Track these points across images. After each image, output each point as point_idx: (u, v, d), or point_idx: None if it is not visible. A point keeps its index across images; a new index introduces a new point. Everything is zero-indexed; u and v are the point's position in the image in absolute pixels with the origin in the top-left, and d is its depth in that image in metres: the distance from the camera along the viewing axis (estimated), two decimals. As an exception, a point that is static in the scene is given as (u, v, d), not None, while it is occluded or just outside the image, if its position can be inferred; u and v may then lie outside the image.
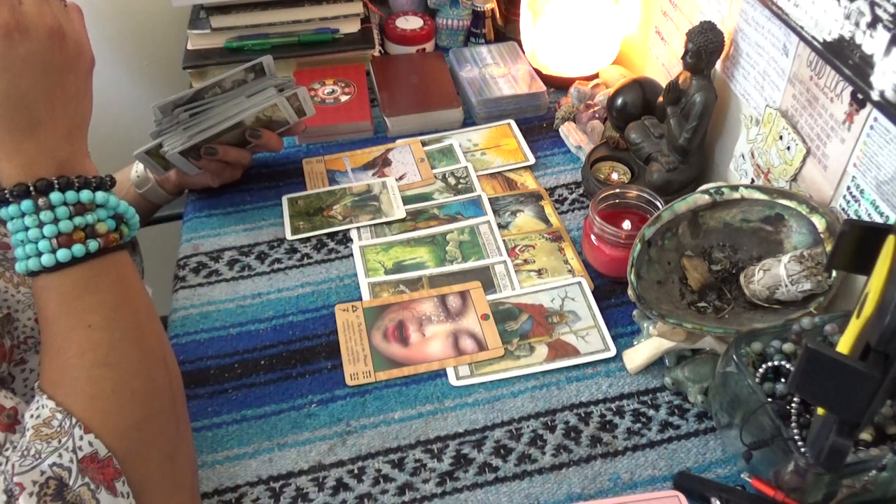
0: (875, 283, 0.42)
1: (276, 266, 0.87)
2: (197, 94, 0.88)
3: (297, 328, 0.79)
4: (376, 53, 1.18)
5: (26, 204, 0.51)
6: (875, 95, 0.59)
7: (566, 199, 0.94)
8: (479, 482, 0.65)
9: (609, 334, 0.76)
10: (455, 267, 0.85)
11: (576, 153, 1.01)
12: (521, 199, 0.94)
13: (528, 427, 0.69)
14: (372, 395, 0.72)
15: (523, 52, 1.16)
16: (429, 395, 0.72)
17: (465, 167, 0.98)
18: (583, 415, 0.70)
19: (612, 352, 0.75)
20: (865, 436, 0.57)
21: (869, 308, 0.41)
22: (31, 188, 0.51)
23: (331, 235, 0.90)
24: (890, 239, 0.43)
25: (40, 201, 0.51)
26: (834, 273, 0.66)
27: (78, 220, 0.52)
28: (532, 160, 1.00)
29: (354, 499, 0.64)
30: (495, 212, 0.92)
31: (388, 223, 0.91)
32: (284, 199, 0.95)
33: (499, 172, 0.98)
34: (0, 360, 0.59)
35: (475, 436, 0.69)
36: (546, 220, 0.91)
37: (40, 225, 0.51)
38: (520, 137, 1.04)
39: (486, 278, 0.83)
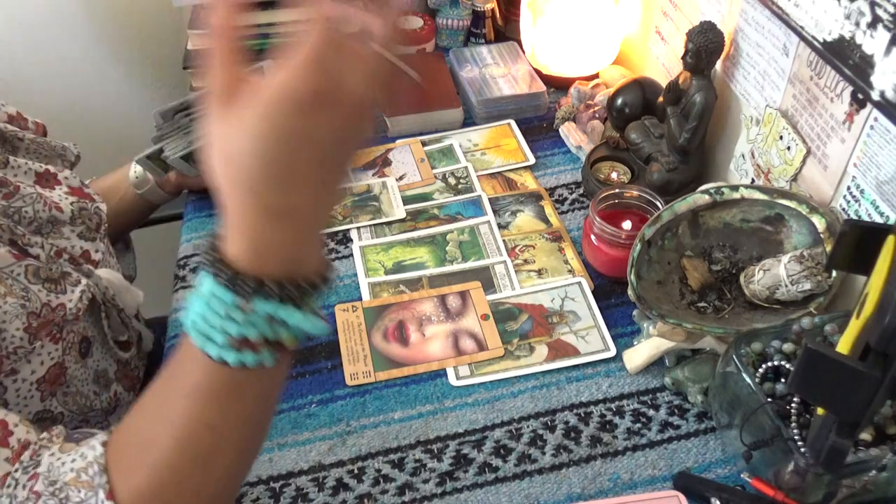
0: (875, 283, 0.41)
1: (276, 266, 0.86)
2: (198, 99, 0.89)
3: (297, 328, 0.79)
4: (376, 53, 1.18)
5: (230, 297, 0.41)
6: (875, 95, 0.59)
7: (566, 199, 0.94)
8: (479, 482, 0.65)
9: (609, 334, 0.76)
10: (455, 267, 0.85)
11: (576, 153, 1.01)
12: (521, 199, 0.94)
13: (528, 427, 0.69)
14: (372, 395, 0.72)
15: (523, 52, 1.16)
16: (429, 396, 0.72)
17: (465, 167, 0.98)
18: (583, 415, 0.70)
19: (612, 352, 0.75)
20: (865, 436, 0.57)
21: (869, 308, 0.41)
22: (246, 284, 0.41)
23: (331, 235, 0.90)
24: (890, 239, 0.43)
25: (241, 303, 0.41)
26: (834, 273, 0.66)
27: (269, 330, 0.42)
28: (532, 160, 1.00)
29: (354, 499, 0.64)
30: (495, 212, 0.92)
31: (388, 223, 0.91)
32: (284, 199, 0.95)
33: (499, 172, 0.98)
34: None
35: (475, 436, 0.69)
36: (546, 220, 0.91)
37: (228, 319, 0.41)
38: (520, 137, 1.03)
39: (486, 278, 0.83)
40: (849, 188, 0.67)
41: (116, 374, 0.77)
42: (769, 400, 0.58)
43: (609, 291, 0.82)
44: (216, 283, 0.41)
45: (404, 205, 0.93)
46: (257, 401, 0.47)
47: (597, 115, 1.02)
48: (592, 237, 0.81)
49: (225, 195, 0.41)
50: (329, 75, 0.40)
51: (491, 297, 0.81)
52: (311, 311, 0.43)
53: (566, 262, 0.85)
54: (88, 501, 0.46)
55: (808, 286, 0.66)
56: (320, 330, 0.44)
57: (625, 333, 0.77)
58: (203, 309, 0.42)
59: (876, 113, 0.61)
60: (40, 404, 0.66)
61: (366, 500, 0.64)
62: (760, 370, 0.61)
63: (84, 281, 0.70)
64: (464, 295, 0.81)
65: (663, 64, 1.01)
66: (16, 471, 0.49)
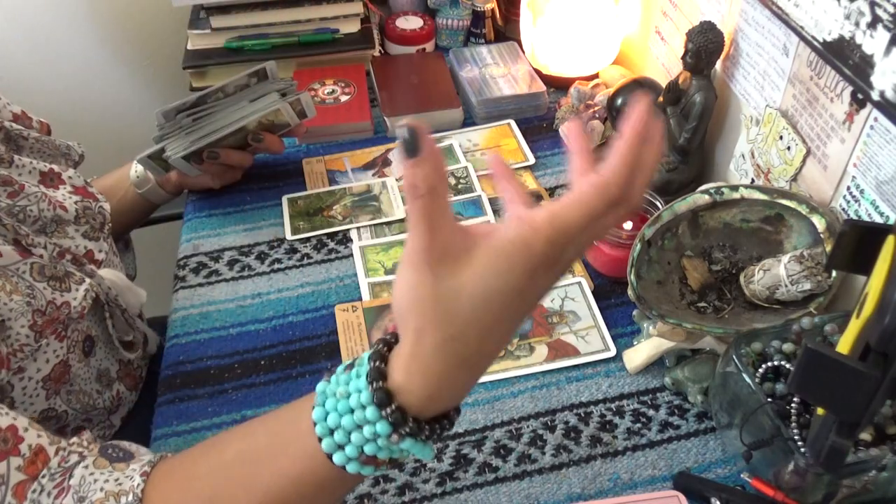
0: (875, 283, 0.41)
1: (276, 266, 0.87)
2: (200, 99, 0.89)
3: (297, 328, 0.79)
4: (376, 53, 1.18)
5: (385, 430, 0.41)
6: (875, 95, 0.59)
7: (566, 199, 0.94)
8: (479, 482, 0.65)
9: (609, 334, 0.76)
10: (455, 267, 0.85)
11: (576, 153, 1.01)
12: (521, 199, 0.94)
13: (528, 427, 0.69)
14: (372, 395, 0.72)
15: (523, 52, 1.16)
16: (429, 395, 0.72)
17: (465, 167, 0.98)
18: (583, 415, 0.70)
19: (612, 352, 0.75)
20: (865, 436, 0.57)
21: (869, 308, 0.41)
22: (410, 427, 0.41)
23: (331, 235, 0.90)
24: (890, 239, 0.43)
25: (393, 437, 0.41)
26: (834, 273, 0.66)
27: (396, 453, 0.43)
28: (532, 160, 1.00)
29: (354, 499, 0.64)
30: (495, 212, 0.92)
31: (388, 223, 0.91)
32: (284, 199, 0.95)
33: (499, 172, 0.98)
34: None
35: (475, 436, 0.69)
36: (546, 220, 0.90)
37: (370, 441, 0.42)
38: (520, 137, 1.03)
39: (486, 278, 0.83)
40: (849, 188, 0.67)
41: (118, 373, 0.77)
42: (769, 400, 0.58)
43: (609, 291, 0.82)
44: (378, 412, 0.41)
45: (404, 205, 0.93)
46: (343, 495, 0.48)
47: (597, 115, 1.02)
48: (592, 237, 0.80)
49: (417, 334, 0.40)
50: (567, 244, 0.39)
51: (491, 297, 0.81)
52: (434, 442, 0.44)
53: (566, 262, 0.85)
54: None
55: (808, 286, 0.66)
56: (430, 457, 0.45)
57: (625, 333, 0.77)
58: (349, 423, 0.42)
59: (876, 113, 0.61)
60: (45, 402, 0.66)
61: (366, 501, 0.64)
62: (760, 370, 0.61)
63: (87, 280, 0.70)
64: (464, 295, 0.81)
65: (663, 64, 1.01)
66: (43, 477, 0.48)
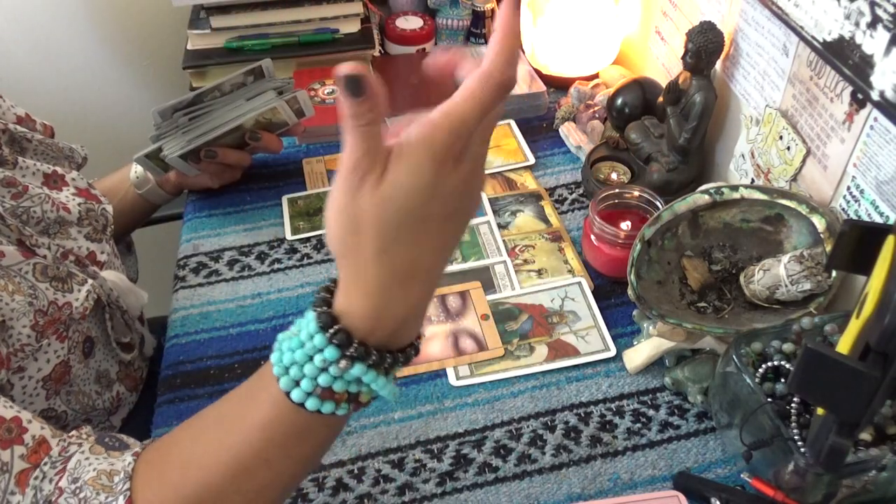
0: (875, 283, 0.41)
1: (276, 266, 0.87)
2: (196, 97, 0.89)
3: (297, 328, 0.79)
4: (376, 53, 1.18)
5: (334, 354, 0.42)
6: (875, 95, 0.59)
7: (566, 199, 0.94)
8: (479, 482, 0.65)
9: (609, 334, 0.76)
10: (455, 267, 0.85)
11: (576, 153, 1.01)
12: (521, 199, 0.94)
13: (528, 427, 0.69)
14: (372, 395, 0.72)
15: (523, 52, 1.16)
16: (429, 395, 0.72)
17: (465, 167, 0.98)
18: (583, 415, 0.70)
19: (612, 352, 0.75)
20: (865, 436, 0.57)
21: (869, 308, 0.41)
22: (354, 348, 0.42)
23: (331, 235, 0.90)
24: (890, 239, 0.43)
25: (342, 363, 0.42)
26: (834, 273, 0.66)
27: (353, 387, 0.44)
28: (532, 160, 1.00)
29: (354, 499, 0.64)
30: (495, 212, 0.92)
31: (388, 223, 0.91)
32: (284, 199, 0.95)
33: (499, 172, 0.98)
34: None
35: (475, 436, 0.69)
36: (546, 220, 0.91)
37: (323, 371, 0.43)
38: (520, 137, 1.03)
39: (485, 278, 0.83)
40: (849, 188, 0.67)
41: (118, 374, 0.77)
42: (769, 400, 0.58)
43: (609, 291, 0.82)
44: (324, 337, 0.42)
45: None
46: (316, 445, 0.48)
47: (597, 115, 1.02)
48: (592, 237, 0.81)
49: (353, 254, 0.42)
50: (467, 135, 0.42)
51: (491, 297, 0.81)
52: (392, 378, 0.45)
53: (566, 262, 0.85)
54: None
55: (808, 286, 0.66)
56: (393, 395, 0.46)
57: (625, 333, 0.77)
58: (301, 356, 0.43)
59: (876, 113, 0.61)
60: (45, 402, 0.66)
61: (366, 501, 0.64)
62: (760, 370, 0.61)
63: (90, 282, 0.70)
64: (464, 295, 0.81)
65: (663, 64, 1.01)
66: (44, 464, 0.49)
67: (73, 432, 0.52)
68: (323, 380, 0.43)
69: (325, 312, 0.43)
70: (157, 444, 0.50)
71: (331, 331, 0.42)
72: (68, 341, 0.68)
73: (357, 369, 0.43)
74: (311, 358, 0.43)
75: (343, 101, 0.39)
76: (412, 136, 0.41)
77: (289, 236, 0.90)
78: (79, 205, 0.75)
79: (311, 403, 0.44)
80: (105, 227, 0.78)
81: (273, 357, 0.45)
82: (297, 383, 0.43)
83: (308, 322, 0.43)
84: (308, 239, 0.90)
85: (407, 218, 0.41)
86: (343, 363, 0.42)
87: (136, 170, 0.93)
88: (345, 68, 0.39)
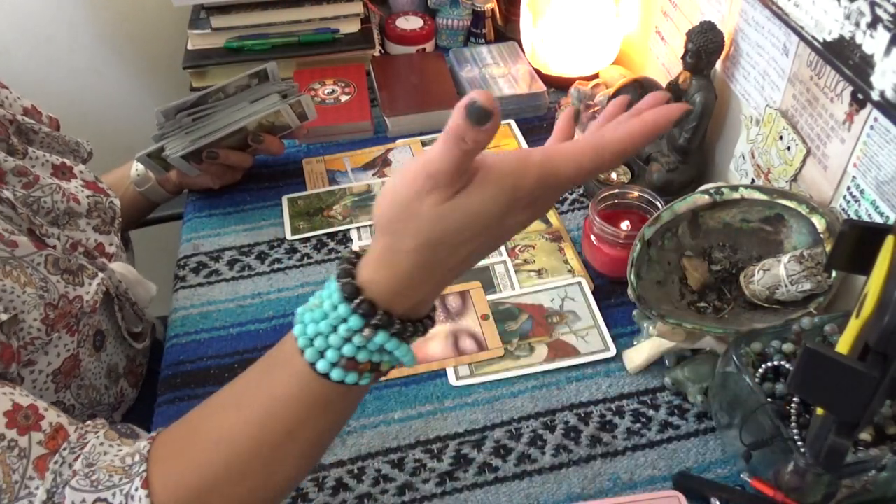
0: (874, 283, 0.41)
1: (276, 266, 0.87)
2: (200, 98, 0.89)
3: (297, 328, 0.79)
4: (376, 53, 1.18)
5: (358, 323, 0.43)
6: (875, 95, 0.59)
7: (566, 199, 0.94)
8: (479, 482, 0.65)
9: (609, 334, 0.76)
10: (455, 267, 0.85)
11: (576, 153, 1.01)
12: (521, 199, 0.94)
13: (527, 427, 0.69)
14: (372, 395, 0.72)
15: (523, 52, 1.16)
16: (429, 395, 0.72)
17: (465, 167, 0.98)
18: (583, 415, 0.70)
19: (612, 352, 0.75)
20: (865, 436, 0.57)
21: (868, 308, 0.41)
22: (379, 317, 0.43)
23: (331, 235, 0.90)
24: (890, 239, 0.43)
25: (366, 331, 0.43)
26: (834, 273, 0.66)
27: (375, 356, 0.45)
28: (532, 160, 0.99)
29: (354, 499, 0.64)
30: (495, 212, 0.91)
31: (388, 223, 0.91)
32: (284, 199, 0.95)
33: (499, 172, 0.98)
34: (9, 362, 0.59)
35: (475, 436, 0.69)
36: (546, 220, 0.91)
37: (347, 341, 0.44)
38: (520, 137, 1.03)
39: (485, 278, 0.83)
40: (849, 188, 0.67)
41: (125, 369, 0.77)
42: (769, 400, 0.58)
43: (609, 291, 0.82)
44: (348, 306, 0.43)
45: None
46: (338, 416, 0.49)
47: (597, 115, 1.02)
48: (592, 237, 0.81)
49: (395, 235, 0.42)
50: (552, 190, 0.44)
51: (491, 297, 0.81)
52: (411, 346, 0.46)
53: (566, 262, 0.85)
54: (121, 486, 0.47)
55: (807, 286, 0.66)
56: (412, 362, 0.47)
57: (625, 333, 0.77)
58: (325, 327, 0.44)
59: (876, 113, 0.61)
60: (54, 396, 0.66)
61: (366, 501, 0.64)
62: (760, 370, 0.61)
63: (100, 275, 0.70)
64: (463, 295, 0.81)
65: (663, 64, 1.01)
66: (63, 449, 0.50)
67: (90, 422, 0.53)
68: (347, 350, 0.44)
69: (349, 283, 0.43)
70: (172, 427, 0.50)
71: (356, 301, 0.43)
72: (78, 335, 0.68)
73: (380, 337, 0.43)
74: (335, 328, 0.44)
75: (461, 121, 0.39)
76: (505, 168, 0.42)
77: (289, 236, 0.90)
78: (87, 197, 0.75)
79: (335, 374, 0.44)
80: (113, 219, 0.79)
81: (296, 329, 0.45)
82: (321, 354, 0.44)
83: (331, 293, 0.44)
84: (308, 239, 0.90)
85: (462, 233, 0.42)
86: (367, 331, 0.43)
87: (137, 168, 0.93)
88: (478, 96, 0.38)
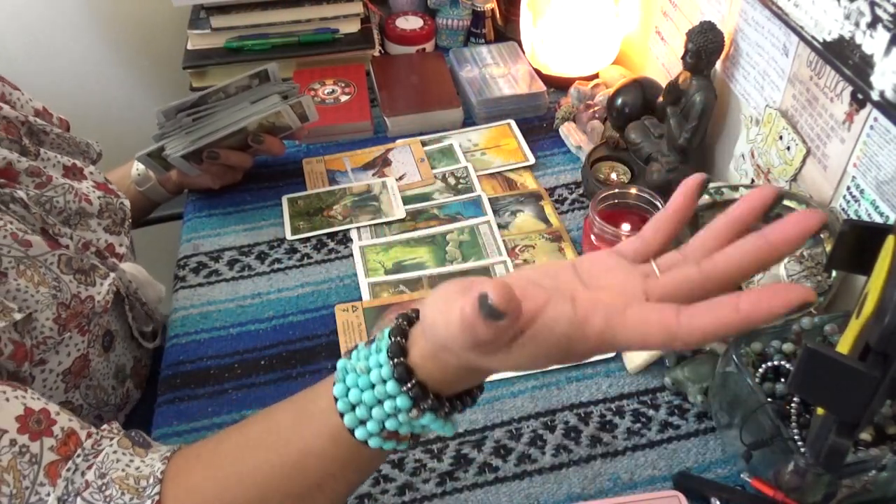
0: (875, 283, 0.41)
1: (276, 266, 0.87)
2: (201, 99, 0.89)
3: (297, 328, 0.79)
4: (376, 53, 1.18)
5: (406, 405, 0.42)
6: (875, 95, 0.59)
7: (566, 199, 0.94)
8: (479, 482, 0.65)
9: (609, 334, 0.76)
10: (455, 267, 0.85)
11: (576, 153, 1.01)
12: (521, 200, 0.94)
13: (528, 427, 0.69)
14: (372, 395, 0.72)
15: (523, 52, 1.16)
16: (429, 395, 0.72)
17: (465, 167, 0.98)
18: (583, 415, 0.70)
19: (612, 352, 0.75)
20: (865, 436, 0.57)
21: (868, 308, 0.41)
22: (430, 402, 0.42)
23: (331, 235, 0.90)
24: (890, 239, 0.43)
25: (413, 412, 0.42)
26: (834, 273, 0.66)
27: (417, 429, 0.44)
28: (532, 160, 1.00)
29: (354, 499, 0.64)
30: (495, 212, 0.92)
31: (388, 223, 0.91)
32: (284, 199, 0.95)
33: (499, 172, 0.98)
34: (22, 361, 0.59)
35: (475, 436, 0.69)
36: (546, 221, 0.91)
37: (391, 416, 0.42)
38: (520, 137, 1.03)
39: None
40: (849, 188, 0.67)
41: (132, 370, 0.77)
42: (769, 400, 0.58)
43: (609, 291, 0.81)
44: (399, 387, 0.41)
45: (404, 205, 0.93)
46: (370, 471, 0.49)
47: (597, 115, 1.02)
48: (592, 237, 0.80)
49: (443, 347, 0.40)
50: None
51: (491, 297, 0.81)
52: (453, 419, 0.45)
53: (566, 262, 0.85)
54: None
55: (808, 286, 0.66)
56: (452, 433, 0.46)
57: (625, 333, 0.77)
58: (370, 399, 0.42)
59: (876, 113, 0.61)
60: (63, 395, 0.67)
61: (366, 501, 0.64)
62: (760, 370, 0.61)
63: (112, 275, 0.70)
64: (464, 295, 0.81)
65: (663, 64, 1.01)
66: (77, 456, 0.49)
67: (105, 426, 0.52)
68: (391, 424, 0.43)
69: (402, 364, 0.41)
70: (189, 452, 0.50)
71: (408, 384, 0.41)
72: (89, 335, 0.68)
73: (427, 418, 0.42)
74: (380, 402, 0.42)
75: (470, 313, 0.35)
76: (558, 330, 0.37)
77: (289, 236, 0.90)
78: (98, 198, 0.75)
79: (373, 442, 0.43)
80: (123, 220, 0.79)
81: (336, 390, 0.44)
82: (362, 423, 0.43)
83: (381, 364, 0.42)
84: (308, 239, 0.90)
85: (511, 367, 0.40)
86: (415, 412, 0.42)
87: (138, 167, 0.93)
88: (493, 292, 0.34)
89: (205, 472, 0.48)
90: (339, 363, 0.45)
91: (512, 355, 0.38)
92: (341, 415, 0.43)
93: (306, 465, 0.45)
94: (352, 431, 0.43)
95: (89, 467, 0.49)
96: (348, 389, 0.43)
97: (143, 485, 0.47)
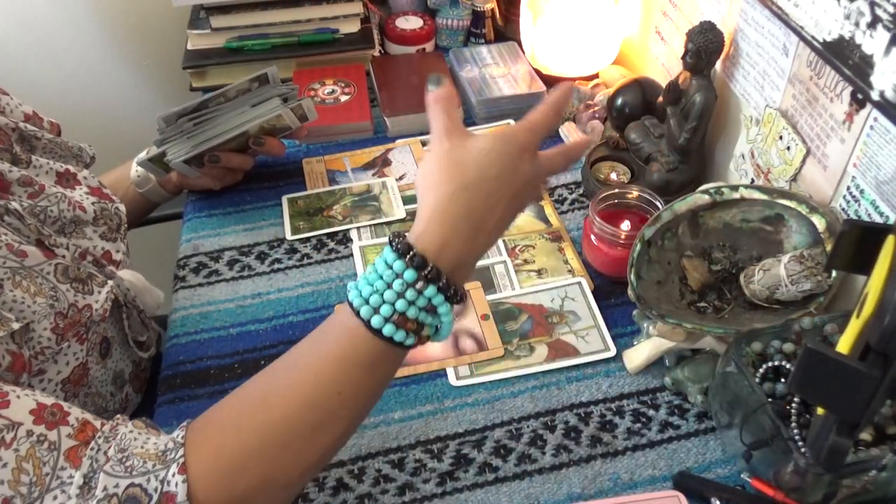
0: (875, 283, 0.41)
1: (276, 266, 0.87)
2: (201, 103, 0.89)
3: (297, 328, 0.79)
4: (376, 53, 1.18)
5: (411, 275, 0.49)
6: (875, 95, 0.59)
7: (566, 199, 0.94)
8: (479, 482, 0.65)
9: (609, 334, 0.76)
10: (455, 267, 0.85)
11: (576, 153, 1.01)
12: (521, 199, 0.94)
13: (528, 427, 0.69)
14: (372, 395, 0.72)
15: (523, 52, 1.16)
16: (429, 396, 0.72)
17: (465, 167, 0.98)
18: (583, 415, 0.70)
19: (612, 352, 0.75)
20: (865, 436, 0.57)
21: (869, 308, 0.41)
22: (429, 269, 0.49)
23: (331, 235, 0.90)
24: (890, 239, 0.43)
25: (419, 284, 0.49)
26: (834, 273, 0.66)
27: (422, 315, 0.50)
28: (532, 160, 0.99)
29: (354, 499, 0.64)
30: (495, 212, 0.91)
31: (388, 223, 0.91)
32: (284, 199, 0.95)
33: (499, 172, 0.98)
34: (21, 371, 0.58)
35: (475, 436, 0.69)
36: (546, 220, 0.91)
37: (400, 296, 0.49)
38: (520, 137, 1.03)
39: (485, 278, 0.83)
40: (848, 188, 0.67)
41: (131, 375, 0.77)
42: (769, 400, 0.58)
43: (609, 291, 0.82)
44: (402, 261, 0.49)
45: (404, 205, 0.93)
46: (382, 379, 0.53)
47: (597, 115, 1.02)
48: (592, 237, 0.81)
49: (434, 190, 0.52)
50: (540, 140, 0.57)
51: (491, 297, 0.81)
52: (451, 310, 0.52)
53: (566, 262, 0.85)
54: (155, 472, 0.47)
55: (808, 286, 0.66)
56: (448, 333, 0.54)
57: (625, 333, 0.77)
58: (381, 285, 0.50)
59: (876, 113, 0.61)
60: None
61: (366, 501, 0.64)
62: (760, 370, 0.61)
63: (109, 283, 0.70)
64: (464, 295, 0.81)
65: (663, 64, 1.01)
66: (98, 437, 0.50)
67: (119, 416, 0.53)
68: (400, 305, 0.49)
69: (402, 241, 0.50)
70: (207, 413, 0.52)
71: (409, 255, 0.49)
72: (87, 343, 0.68)
73: (430, 290, 0.49)
74: (389, 285, 0.49)
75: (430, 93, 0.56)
76: (501, 127, 0.56)
77: (289, 236, 0.90)
78: (93, 204, 0.75)
79: (388, 329, 0.49)
80: (119, 226, 0.78)
81: (350, 294, 0.51)
82: (376, 310, 0.49)
83: (385, 254, 0.50)
84: (308, 239, 0.90)
85: (488, 170, 0.52)
86: (420, 284, 0.49)
87: (137, 169, 0.93)
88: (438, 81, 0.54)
89: (230, 411, 0.51)
90: (349, 284, 0.52)
91: (472, 151, 0.53)
92: (357, 312, 0.49)
93: (325, 370, 0.50)
94: (367, 324, 0.49)
95: (109, 446, 0.49)
96: (360, 290, 0.50)
97: (163, 449, 0.49)
